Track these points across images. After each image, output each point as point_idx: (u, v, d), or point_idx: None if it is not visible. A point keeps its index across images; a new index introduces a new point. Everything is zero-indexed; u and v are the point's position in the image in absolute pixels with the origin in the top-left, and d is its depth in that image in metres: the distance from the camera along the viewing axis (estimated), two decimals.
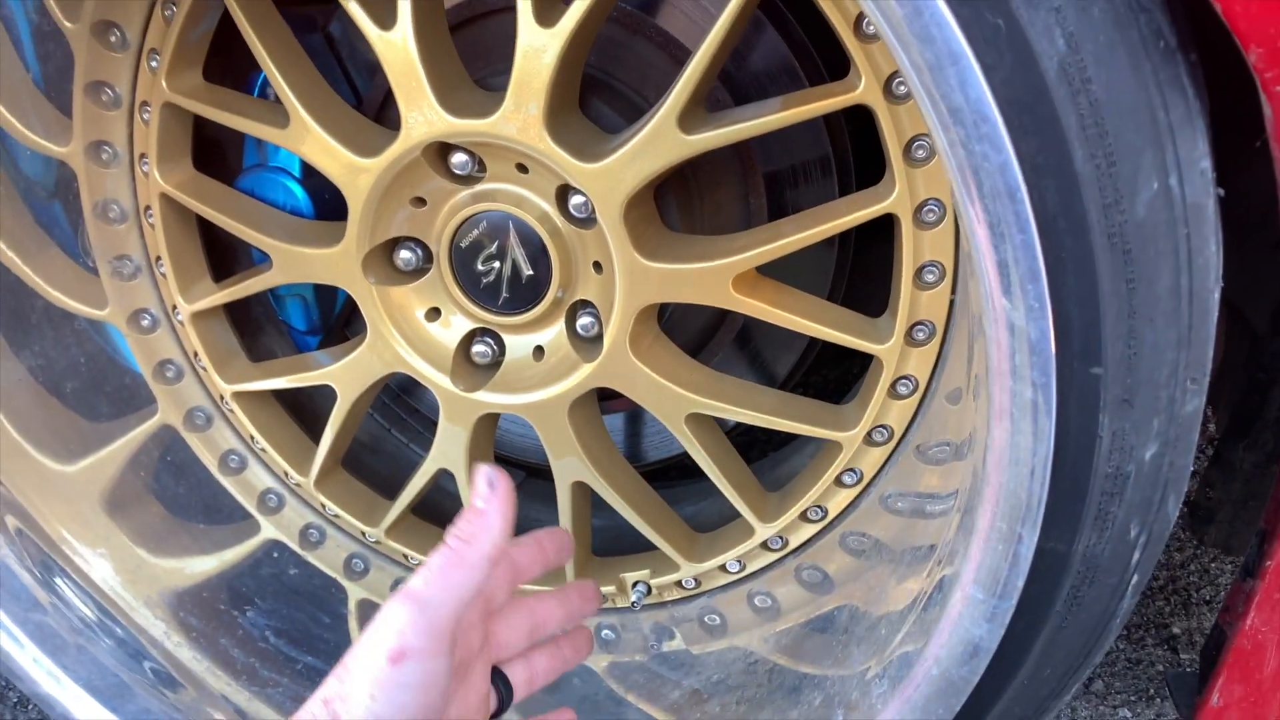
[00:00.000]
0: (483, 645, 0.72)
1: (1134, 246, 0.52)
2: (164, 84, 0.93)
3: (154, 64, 0.94)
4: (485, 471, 0.65)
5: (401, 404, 1.28)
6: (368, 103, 1.02)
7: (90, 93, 0.97)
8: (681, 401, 0.90)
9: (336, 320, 1.12)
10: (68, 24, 0.93)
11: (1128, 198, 0.51)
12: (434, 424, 1.30)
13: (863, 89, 0.76)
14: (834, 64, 0.96)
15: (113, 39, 0.94)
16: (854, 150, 1.03)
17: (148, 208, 1.01)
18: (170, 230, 1.01)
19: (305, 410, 1.16)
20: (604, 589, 1.05)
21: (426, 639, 0.61)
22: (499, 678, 0.75)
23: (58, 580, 1.04)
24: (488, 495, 0.65)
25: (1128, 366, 0.54)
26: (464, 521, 0.64)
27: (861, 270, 1.10)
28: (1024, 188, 0.49)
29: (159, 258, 1.03)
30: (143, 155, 0.98)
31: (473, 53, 0.95)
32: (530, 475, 1.29)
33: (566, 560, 0.81)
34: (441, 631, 0.61)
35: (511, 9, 0.97)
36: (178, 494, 1.12)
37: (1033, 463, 0.55)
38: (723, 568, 1.00)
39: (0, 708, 1.35)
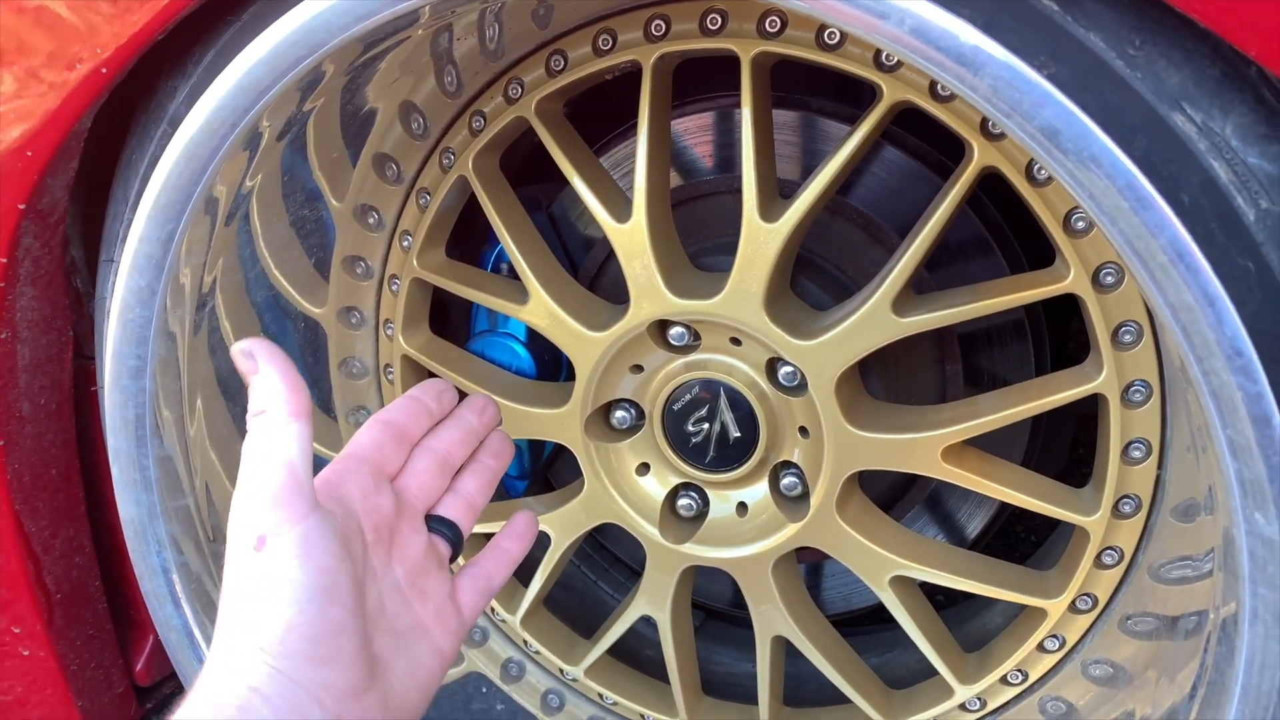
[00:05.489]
0: (398, 507, 0.72)
1: None
2: (414, 261, 1.05)
3: (405, 243, 1.06)
4: (239, 347, 0.63)
5: (590, 542, 1.34)
6: (582, 274, 1.12)
7: (346, 265, 1.09)
8: (886, 564, 0.93)
9: (542, 467, 1.21)
10: (335, 203, 1.06)
11: None
12: (619, 561, 1.37)
13: (1071, 279, 0.80)
14: (1027, 240, 1.01)
15: (371, 220, 1.07)
16: (1046, 314, 1.07)
17: (388, 366, 1.12)
18: (407, 387, 1.11)
19: None
20: None
21: (276, 514, 0.60)
22: (435, 522, 0.75)
23: None
24: (255, 365, 0.63)
25: None
26: (251, 399, 0.63)
27: (1053, 426, 1.12)
28: (1278, 414, 0.52)
29: None
30: (387, 320, 1.10)
31: (687, 229, 1.04)
32: (709, 617, 1.33)
33: (452, 403, 0.81)
34: (289, 499, 0.60)
35: (721, 192, 1.07)
36: None
37: None
38: None
39: None
